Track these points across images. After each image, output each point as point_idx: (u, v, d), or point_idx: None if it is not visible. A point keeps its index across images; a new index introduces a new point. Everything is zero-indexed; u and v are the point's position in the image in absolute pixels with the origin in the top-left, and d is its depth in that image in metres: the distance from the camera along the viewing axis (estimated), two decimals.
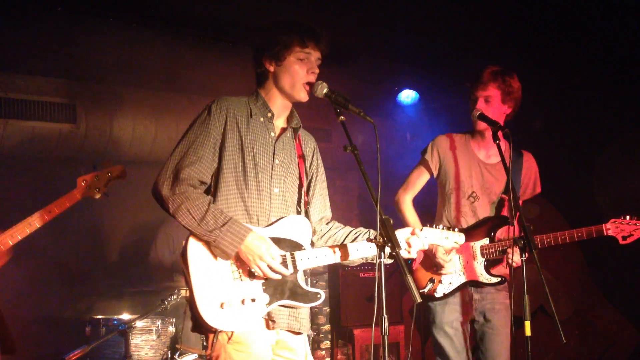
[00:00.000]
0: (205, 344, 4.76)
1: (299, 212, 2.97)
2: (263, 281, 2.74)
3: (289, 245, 2.81)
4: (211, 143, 2.78)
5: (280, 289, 2.76)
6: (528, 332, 3.16)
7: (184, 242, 2.73)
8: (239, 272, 2.72)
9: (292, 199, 2.94)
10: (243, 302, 2.68)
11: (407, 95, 6.83)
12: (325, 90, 2.81)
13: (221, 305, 2.65)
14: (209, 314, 2.64)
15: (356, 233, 3.01)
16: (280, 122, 2.99)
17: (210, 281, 2.67)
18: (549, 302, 3.21)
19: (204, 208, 2.66)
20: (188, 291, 2.69)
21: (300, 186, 3.00)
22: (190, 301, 2.68)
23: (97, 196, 3.41)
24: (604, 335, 5.67)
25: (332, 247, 2.89)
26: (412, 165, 4.14)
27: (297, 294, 2.79)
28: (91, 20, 5.18)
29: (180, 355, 4.60)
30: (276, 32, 2.85)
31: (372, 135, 2.64)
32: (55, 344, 5.10)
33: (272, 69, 2.88)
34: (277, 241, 2.76)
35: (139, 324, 4.48)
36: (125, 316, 4.80)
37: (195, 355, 4.57)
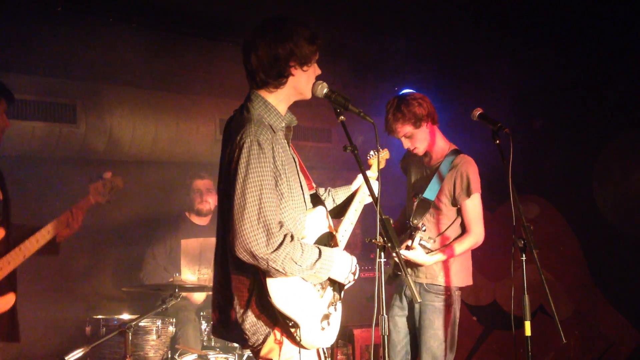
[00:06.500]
0: (205, 344, 4.80)
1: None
2: (332, 287, 2.74)
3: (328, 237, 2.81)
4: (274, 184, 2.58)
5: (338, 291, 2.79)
6: (528, 332, 3.17)
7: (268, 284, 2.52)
8: (320, 286, 2.69)
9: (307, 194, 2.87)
10: (329, 315, 2.68)
11: None
12: (325, 90, 2.77)
13: (322, 328, 2.64)
14: (315, 339, 2.61)
15: (336, 192, 3.22)
16: None
17: (305, 307, 2.59)
18: (549, 302, 3.22)
19: (299, 248, 2.52)
20: (282, 330, 2.56)
21: (306, 177, 2.92)
22: (291, 334, 2.56)
23: (103, 201, 3.74)
24: (604, 335, 5.67)
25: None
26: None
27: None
28: (91, 20, 5.18)
29: (180, 355, 4.60)
30: (301, 35, 2.66)
31: (372, 135, 2.64)
32: (55, 344, 5.10)
33: (296, 73, 2.70)
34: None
35: (139, 324, 4.47)
36: (125, 316, 4.79)
37: (195, 355, 4.57)
